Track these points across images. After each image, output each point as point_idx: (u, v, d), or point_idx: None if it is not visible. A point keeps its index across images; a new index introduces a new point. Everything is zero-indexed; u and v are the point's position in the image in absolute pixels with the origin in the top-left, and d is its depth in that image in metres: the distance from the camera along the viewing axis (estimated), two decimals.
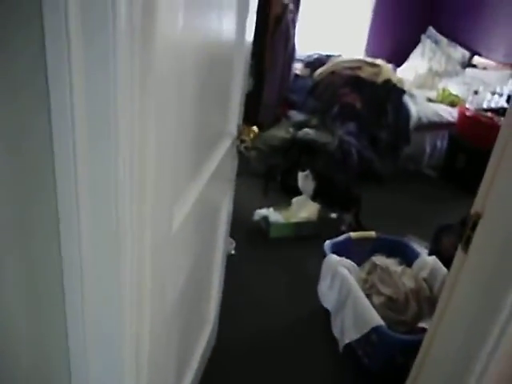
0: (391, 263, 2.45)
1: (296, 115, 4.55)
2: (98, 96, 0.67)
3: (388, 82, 4.39)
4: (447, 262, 2.04)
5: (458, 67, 5.50)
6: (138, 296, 0.88)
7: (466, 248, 1.25)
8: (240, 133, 1.69)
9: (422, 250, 2.73)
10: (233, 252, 2.99)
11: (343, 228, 3.29)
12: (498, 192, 1.14)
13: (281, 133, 4.20)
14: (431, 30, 5.90)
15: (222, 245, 1.90)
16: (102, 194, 0.74)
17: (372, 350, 2.08)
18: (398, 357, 2.01)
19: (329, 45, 5.45)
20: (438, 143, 4.69)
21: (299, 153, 3.81)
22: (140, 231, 0.82)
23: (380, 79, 4.37)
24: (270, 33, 4.56)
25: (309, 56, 5.20)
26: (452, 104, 4.83)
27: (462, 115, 4.42)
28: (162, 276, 1.01)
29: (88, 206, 0.75)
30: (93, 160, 0.72)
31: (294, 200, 3.45)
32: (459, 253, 1.29)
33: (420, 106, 4.61)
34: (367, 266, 2.46)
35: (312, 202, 3.38)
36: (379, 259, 2.46)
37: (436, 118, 4.58)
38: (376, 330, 1.99)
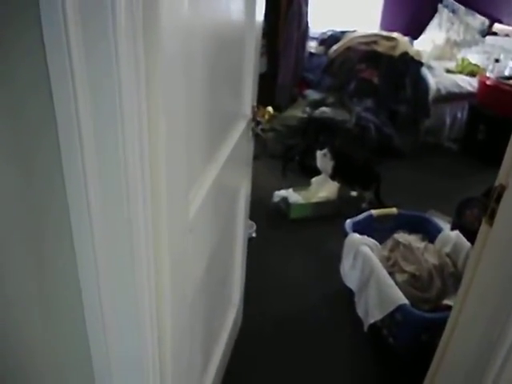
0: (414, 239, 2.41)
1: (312, 94, 4.49)
2: (103, 80, 0.65)
3: (405, 54, 4.29)
4: (471, 236, 1.98)
5: (478, 36, 5.35)
6: (157, 284, 0.87)
7: (490, 221, 1.22)
8: (255, 114, 1.67)
9: (444, 225, 2.69)
10: (254, 235, 2.99)
11: (364, 206, 3.25)
12: None
13: (297, 113, 4.16)
14: None
15: (242, 228, 1.89)
16: (111, 181, 0.72)
17: (397, 329, 2.06)
18: (424, 335, 1.99)
19: (343, 21, 5.33)
20: (459, 115, 4.60)
21: (316, 132, 3.76)
22: (155, 217, 0.81)
23: (397, 53, 4.27)
24: (282, 12, 4.49)
25: (323, 33, 5.11)
26: (472, 74, 4.72)
27: (483, 84, 4.31)
28: (182, 262, 1.01)
29: (98, 193, 0.73)
30: (101, 146, 0.70)
31: (313, 180, 3.42)
32: (483, 226, 1.26)
33: (439, 78, 4.51)
34: (389, 243, 2.44)
35: (331, 181, 3.34)
36: (401, 236, 2.43)
37: (456, 89, 4.48)
38: (400, 308, 1.97)
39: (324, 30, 5.14)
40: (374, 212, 2.57)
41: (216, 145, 1.28)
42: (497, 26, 5.28)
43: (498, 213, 1.19)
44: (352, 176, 3.36)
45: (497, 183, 1.20)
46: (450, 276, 2.24)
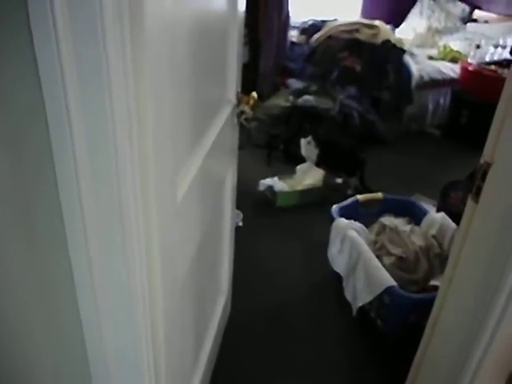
0: (400, 223, 2.43)
1: (295, 83, 4.49)
2: (90, 67, 0.65)
3: (387, 42, 4.30)
4: (456, 218, 2.04)
5: (459, 23, 5.40)
6: (148, 271, 0.86)
7: (476, 198, 1.23)
8: (239, 100, 1.66)
9: (430, 208, 2.70)
10: (240, 224, 2.98)
11: (349, 192, 3.26)
12: (508, 138, 1.11)
13: (280, 101, 4.15)
14: None
15: (229, 216, 1.89)
16: (103, 165, 0.71)
17: (385, 311, 2.08)
18: (411, 316, 2.01)
19: (323, 10, 5.34)
20: (441, 101, 4.62)
21: (300, 120, 3.76)
22: (145, 203, 0.80)
23: (379, 40, 4.29)
24: (262, 2, 4.47)
25: (304, 22, 5.11)
26: (454, 60, 4.75)
27: (465, 70, 4.34)
28: (171, 246, 1.00)
29: (88, 181, 0.72)
30: (90, 134, 0.69)
31: (298, 167, 3.42)
32: (469, 203, 1.27)
33: (421, 65, 4.53)
34: (376, 227, 2.45)
35: (316, 169, 3.35)
36: (387, 220, 2.44)
37: (438, 76, 4.51)
38: (388, 290, 1.99)
39: (305, 20, 5.14)
40: (359, 197, 2.58)
41: (202, 130, 1.26)
42: (477, 13, 5.33)
43: (484, 189, 1.20)
44: (337, 163, 3.37)
45: (482, 161, 1.21)
46: (436, 257, 2.26)
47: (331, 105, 3.95)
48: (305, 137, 3.32)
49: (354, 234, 2.25)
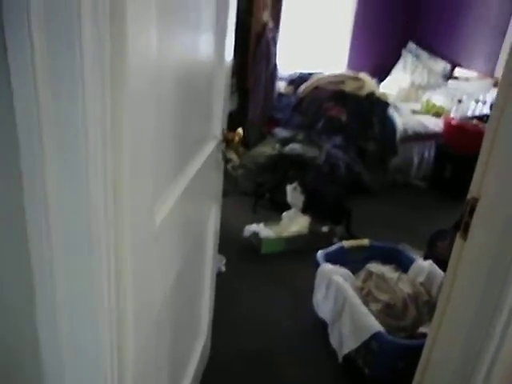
0: (387, 270, 2.39)
1: (282, 132, 4.53)
2: (66, 95, 0.63)
3: (371, 95, 4.39)
4: (444, 266, 2.03)
5: (441, 79, 5.55)
6: (119, 303, 0.81)
7: (464, 235, 1.20)
8: (225, 136, 1.64)
9: (417, 257, 2.67)
10: (223, 269, 2.92)
11: (335, 240, 3.22)
12: (495, 172, 1.10)
13: (267, 150, 4.17)
14: (411, 44, 5.97)
15: (210, 255, 1.83)
16: (71, 194, 0.69)
17: (372, 358, 2.00)
18: (399, 363, 1.93)
19: (311, 63, 5.48)
20: (426, 154, 4.68)
21: (287, 168, 3.77)
22: (118, 228, 0.76)
23: (363, 92, 4.37)
24: (250, 51, 4.58)
25: (291, 74, 5.22)
26: (437, 115, 4.85)
27: (448, 124, 4.43)
28: (147, 271, 0.95)
29: (58, 205, 0.69)
30: (63, 156, 0.67)
31: (284, 214, 3.39)
32: (458, 241, 1.24)
33: (405, 118, 4.62)
34: (362, 274, 2.40)
35: (302, 216, 3.32)
36: (374, 266, 2.40)
37: (422, 129, 4.58)
38: (376, 336, 1.92)
39: (292, 72, 5.27)
40: (345, 243, 2.55)
41: (185, 160, 1.24)
42: (458, 71, 5.49)
43: (472, 225, 1.17)
44: (323, 211, 3.35)
45: (469, 197, 1.19)
46: (425, 304, 2.20)
47: (317, 153, 3.97)
48: (291, 182, 3.31)
49: (339, 279, 2.20)
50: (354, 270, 2.44)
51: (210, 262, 1.84)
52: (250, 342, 2.34)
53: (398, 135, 4.40)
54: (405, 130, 4.45)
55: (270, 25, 4.63)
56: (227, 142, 1.63)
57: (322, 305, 2.33)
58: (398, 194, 4.40)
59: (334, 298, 2.19)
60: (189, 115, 1.22)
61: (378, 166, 4.36)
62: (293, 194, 3.34)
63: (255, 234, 3.18)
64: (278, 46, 4.78)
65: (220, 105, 1.59)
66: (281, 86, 5.10)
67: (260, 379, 2.12)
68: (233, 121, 4.50)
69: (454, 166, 4.28)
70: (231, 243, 3.26)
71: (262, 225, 3.25)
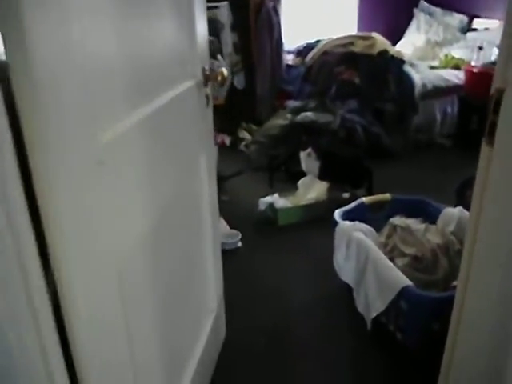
0: (412, 222, 2.16)
1: (293, 104, 4.31)
2: None
3: (384, 52, 4.14)
4: None
5: (458, 33, 5.24)
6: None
7: (491, 139, 0.98)
8: (206, 76, 1.45)
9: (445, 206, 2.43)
10: (239, 244, 2.74)
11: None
12: None
13: (278, 121, 3.96)
14: (423, 3, 5.66)
15: (208, 217, 1.64)
16: None
17: (403, 319, 1.78)
18: (435, 324, 1.71)
19: (318, 32, 5.23)
20: (449, 109, 4.41)
21: (299, 136, 3.56)
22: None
23: (375, 51, 4.12)
24: (251, 23, 4.38)
25: (298, 46, 5.00)
26: (457, 67, 4.56)
27: (470, 73, 4.14)
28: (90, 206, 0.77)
29: None
30: None
31: (300, 182, 3.19)
32: (484, 149, 1.02)
33: (423, 74, 4.34)
34: (386, 229, 2.18)
35: (319, 182, 3.11)
36: (398, 220, 2.18)
37: (442, 83, 4.31)
38: (404, 292, 1.70)
39: (300, 44, 5.04)
40: (365, 199, 2.33)
41: (146, 91, 1.05)
42: (477, 22, 5.17)
43: (500, 123, 0.96)
44: (341, 174, 3.13)
45: (492, 90, 0.98)
46: (457, 254, 1.97)
47: (332, 119, 3.75)
48: (303, 149, 3.10)
49: (360, 235, 1.99)
50: (377, 228, 2.22)
51: (209, 226, 1.65)
52: (271, 319, 2.15)
53: (417, 92, 4.13)
54: (423, 86, 4.18)
55: None
56: (207, 80, 1.44)
57: (344, 267, 2.12)
58: (422, 155, 4.13)
59: (355, 257, 1.98)
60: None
61: (397, 126, 4.11)
62: (307, 160, 3.13)
63: (270, 205, 2.99)
64: (281, 16, 4.57)
65: (197, 42, 1.39)
66: (289, 58, 4.89)
67: (283, 361, 1.91)
68: (242, 98, 4.29)
69: (480, 116, 3.99)
70: (247, 219, 3.08)
71: (276, 195, 3.05)
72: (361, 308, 2.00)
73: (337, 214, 2.21)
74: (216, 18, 4.27)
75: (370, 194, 3.11)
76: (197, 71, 1.40)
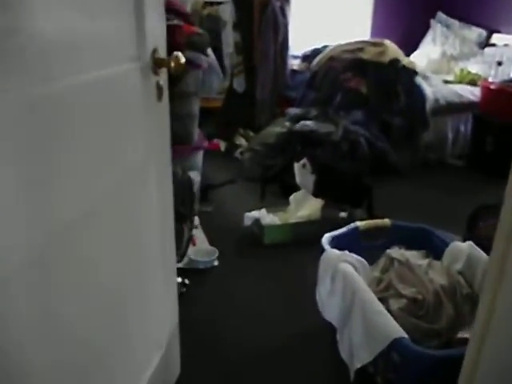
0: (413, 256, 1.84)
1: (294, 111, 4.00)
2: None
3: (396, 61, 3.82)
4: (487, 252, 1.50)
5: (476, 48, 4.93)
6: None
7: None
8: (159, 63, 1.13)
9: (452, 238, 2.11)
10: (215, 263, 2.42)
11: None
12: None
13: (276, 129, 3.65)
14: (440, 14, 5.35)
15: (158, 240, 1.33)
16: None
17: (395, 374, 1.46)
18: (431, 380, 1.39)
19: (328, 39, 4.91)
20: (462, 128, 4.09)
21: (297, 146, 3.24)
22: None
23: (386, 59, 3.81)
24: (255, 22, 4.09)
25: (306, 51, 4.69)
26: (472, 83, 4.24)
27: (486, 90, 3.82)
28: None
29: None
30: None
31: (292, 197, 2.87)
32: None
33: (436, 88, 4.03)
34: (382, 262, 1.86)
35: (313, 198, 2.79)
36: (396, 252, 1.85)
37: (456, 99, 3.99)
38: (396, 345, 1.38)
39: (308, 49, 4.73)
40: (360, 224, 2.01)
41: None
42: (496, 37, 4.88)
43: None
44: (339, 192, 2.81)
45: None
46: (465, 299, 1.64)
47: (333, 129, 3.43)
48: (298, 160, 2.78)
49: (347, 267, 1.66)
50: (372, 259, 1.90)
51: (157, 250, 1.33)
52: (238, 357, 1.82)
53: (429, 106, 3.82)
54: (436, 101, 3.87)
55: None
56: (159, 67, 1.12)
57: (328, 303, 1.79)
58: (431, 175, 3.79)
59: (341, 293, 1.65)
60: None
61: (406, 142, 3.78)
62: (301, 173, 2.80)
63: (257, 222, 2.67)
64: (288, 17, 4.26)
65: (145, 15, 1.08)
66: (294, 63, 4.58)
67: None
68: (241, 102, 3.96)
69: (495, 137, 3.67)
70: (230, 234, 2.77)
71: (264, 210, 2.74)
72: (344, 355, 1.67)
73: (325, 238, 1.89)
74: (218, 15, 4.00)
75: (369, 214, 2.80)
76: (143, 53, 1.09)
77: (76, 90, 0.83)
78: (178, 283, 2.24)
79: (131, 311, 1.23)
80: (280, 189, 3.32)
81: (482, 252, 1.75)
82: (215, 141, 4.24)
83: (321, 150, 3.06)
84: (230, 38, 4.06)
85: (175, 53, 1.11)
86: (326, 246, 1.83)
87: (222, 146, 4.24)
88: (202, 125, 4.27)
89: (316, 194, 2.79)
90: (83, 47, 0.86)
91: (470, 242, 1.81)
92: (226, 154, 4.12)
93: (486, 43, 4.91)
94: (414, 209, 3.09)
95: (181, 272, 2.30)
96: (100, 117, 0.93)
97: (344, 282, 1.63)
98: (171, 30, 2.49)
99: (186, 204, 2.12)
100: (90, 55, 0.89)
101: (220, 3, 4.01)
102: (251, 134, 4.26)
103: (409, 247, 1.95)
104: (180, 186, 2.02)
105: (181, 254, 2.15)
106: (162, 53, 1.16)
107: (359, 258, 1.75)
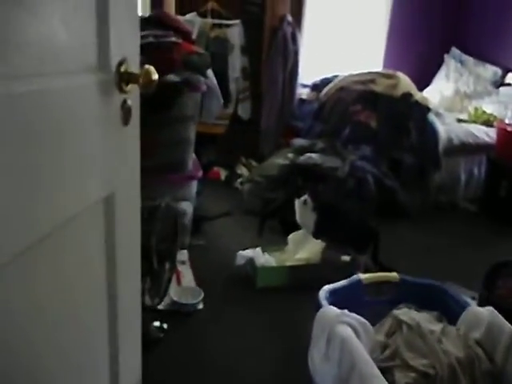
0: (424, 318, 1.59)
1: (299, 142, 3.79)
2: None
3: (408, 95, 3.63)
4: (507, 315, 1.48)
5: (490, 87, 4.74)
6: None
7: None
8: (125, 77, 0.91)
9: (469, 300, 1.87)
10: (200, 307, 2.17)
11: (358, 274, 2.42)
12: None
13: (279, 160, 3.44)
14: (455, 50, 5.19)
15: (103, 272, 1.08)
16: None
17: None
18: None
19: (339, 69, 4.74)
20: (475, 170, 3.86)
21: (298, 181, 3.03)
22: None
23: (398, 92, 3.62)
24: (264, 47, 3.92)
25: (316, 81, 4.51)
26: (487, 124, 4.04)
27: (503, 132, 3.60)
28: None
29: None
30: None
31: (291, 237, 2.63)
32: None
33: (449, 126, 3.83)
34: (387, 323, 1.61)
35: (314, 240, 2.55)
36: (405, 313, 1.60)
37: (470, 139, 3.78)
38: None
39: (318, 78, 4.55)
40: (364, 277, 1.76)
41: None
42: (511, 76, 4.70)
43: None
44: (341, 234, 2.56)
45: None
46: (485, 376, 1.39)
47: (339, 164, 3.22)
48: (299, 195, 2.56)
49: (346, 331, 1.41)
50: (376, 318, 1.66)
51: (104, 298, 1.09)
52: None
53: (441, 146, 3.60)
54: (449, 140, 3.65)
55: (289, 18, 3.96)
56: (126, 82, 0.90)
57: (321, 370, 1.53)
58: (442, 220, 3.54)
59: (337, 361, 1.40)
60: None
61: (416, 183, 3.55)
62: (302, 210, 2.57)
63: (250, 262, 2.43)
64: (299, 44, 4.09)
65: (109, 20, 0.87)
66: (303, 92, 4.40)
67: None
68: (245, 131, 3.75)
69: (510, 183, 3.44)
70: (221, 272, 2.54)
71: (259, 249, 2.50)
72: None
73: (323, 292, 1.64)
74: (225, 38, 3.84)
75: (374, 261, 2.56)
76: (104, 63, 0.87)
77: (7, 101, 0.61)
78: (156, 328, 2.02)
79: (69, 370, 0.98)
80: (280, 225, 3.09)
81: (504, 320, 1.49)
82: (215, 169, 4.04)
83: (324, 186, 2.83)
84: (237, 62, 3.90)
85: (146, 66, 0.90)
86: (324, 302, 1.58)
87: (223, 174, 4.03)
88: (202, 152, 4.10)
89: (316, 235, 2.56)
90: (21, 47, 0.65)
91: (491, 308, 1.56)
92: (226, 184, 3.91)
93: (501, 82, 4.72)
94: (424, 257, 2.86)
95: (160, 315, 2.07)
96: (36, 139, 0.71)
97: (341, 348, 1.38)
98: (168, 47, 2.32)
99: (167, 240, 1.88)
100: (28, 58, 0.67)
101: (229, 26, 3.86)
102: (254, 163, 4.06)
103: (419, 306, 1.70)
104: (161, 221, 1.79)
105: (160, 296, 1.91)
106: (134, 66, 0.94)
107: (361, 319, 1.49)
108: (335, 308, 1.52)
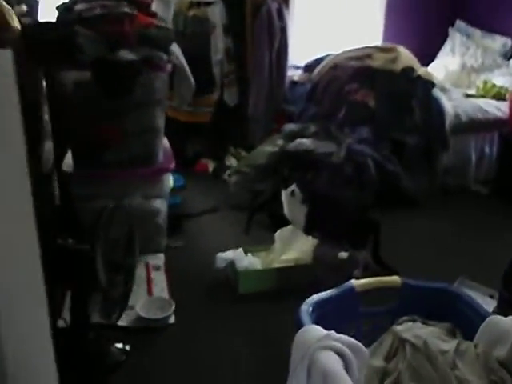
0: (433, 334, 1.26)
1: (289, 127, 3.48)
2: None
3: (409, 70, 3.32)
4: None
5: (500, 59, 4.42)
6: None
7: None
8: None
9: (485, 303, 1.55)
10: (171, 321, 1.87)
11: (356, 273, 2.10)
12: None
13: (268, 148, 3.12)
14: (460, 23, 4.85)
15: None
16: None
17: None
18: None
19: (335, 47, 4.40)
20: (487, 149, 3.55)
21: (286, 170, 2.71)
22: None
23: (398, 67, 3.31)
24: (247, 27, 3.60)
25: (309, 61, 4.18)
26: (498, 97, 3.71)
27: None
28: None
29: None
30: None
31: (277, 234, 2.32)
32: None
33: (456, 102, 3.51)
34: (386, 343, 1.28)
35: (304, 236, 2.24)
36: (409, 329, 1.28)
37: (480, 115, 3.47)
38: None
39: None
40: (357, 284, 1.43)
41: None
42: None
43: None
44: (337, 227, 2.24)
45: None
46: None
47: (335, 149, 2.89)
48: (286, 186, 2.24)
49: (329, 360, 1.08)
50: (374, 333, 1.34)
51: None
52: None
53: (448, 123, 3.29)
54: (456, 117, 3.35)
55: None
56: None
57: None
58: (451, 206, 3.24)
59: None
60: None
61: (421, 166, 3.26)
62: (290, 203, 2.26)
63: (231, 265, 2.12)
64: (287, 21, 3.75)
65: None
66: (295, 74, 4.07)
67: None
68: (233, 119, 3.38)
69: None
70: (199, 277, 2.24)
71: (240, 250, 2.19)
72: None
73: (305, 306, 1.32)
74: (205, 17, 3.51)
75: (375, 258, 2.26)
76: None
77: None
78: (118, 350, 1.72)
79: None
80: (269, 219, 2.77)
81: None
82: (203, 161, 3.74)
83: (315, 174, 2.51)
84: (219, 43, 3.58)
85: None
86: (305, 319, 1.26)
87: (211, 166, 3.73)
88: (187, 143, 3.80)
89: (308, 230, 2.24)
90: None
91: None
92: (215, 177, 3.61)
93: (511, 53, 4.40)
94: (431, 250, 2.57)
95: (124, 333, 1.77)
96: None
97: (324, 381, 1.06)
98: (118, 18, 2.00)
99: (120, 249, 1.57)
100: None
101: (209, 3, 3.54)
102: (243, 153, 3.74)
103: (426, 317, 1.38)
104: (108, 227, 1.48)
105: (115, 315, 1.60)
106: None
107: (352, 341, 1.16)
108: (319, 328, 1.19)
